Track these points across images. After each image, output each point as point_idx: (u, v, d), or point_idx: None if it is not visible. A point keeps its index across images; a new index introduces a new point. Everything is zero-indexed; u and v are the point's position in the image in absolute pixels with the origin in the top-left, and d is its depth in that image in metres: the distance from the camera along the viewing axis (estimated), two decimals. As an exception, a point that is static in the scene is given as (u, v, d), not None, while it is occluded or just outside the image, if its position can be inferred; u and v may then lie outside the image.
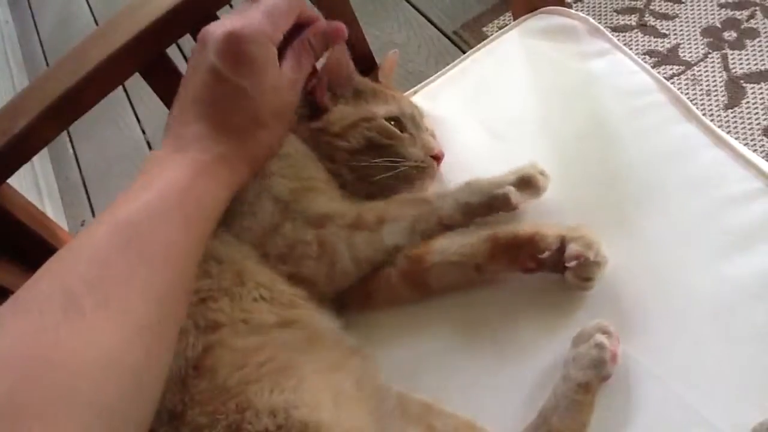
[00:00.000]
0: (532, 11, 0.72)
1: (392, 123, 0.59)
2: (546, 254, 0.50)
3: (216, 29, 0.51)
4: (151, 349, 0.40)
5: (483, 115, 0.66)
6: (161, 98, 0.62)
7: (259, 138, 0.52)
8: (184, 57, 1.47)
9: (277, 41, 0.52)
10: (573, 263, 0.49)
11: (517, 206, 0.54)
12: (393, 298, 0.55)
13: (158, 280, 0.42)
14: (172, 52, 0.60)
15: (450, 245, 0.53)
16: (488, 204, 0.54)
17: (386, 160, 0.57)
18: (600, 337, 0.47)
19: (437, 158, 0.61)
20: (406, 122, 0.60)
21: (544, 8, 0.71)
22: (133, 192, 0.46)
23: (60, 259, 0.41)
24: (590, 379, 0.46)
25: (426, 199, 0.55)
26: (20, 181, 1.44)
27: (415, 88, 0.74)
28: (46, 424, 0.33)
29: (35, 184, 1.65)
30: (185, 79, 0.53)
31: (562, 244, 0.50)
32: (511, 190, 0.53)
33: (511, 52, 0.70)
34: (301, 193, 0.54)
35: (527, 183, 0.54)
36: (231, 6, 0.62)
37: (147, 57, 0.58)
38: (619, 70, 0.64)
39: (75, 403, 0.35)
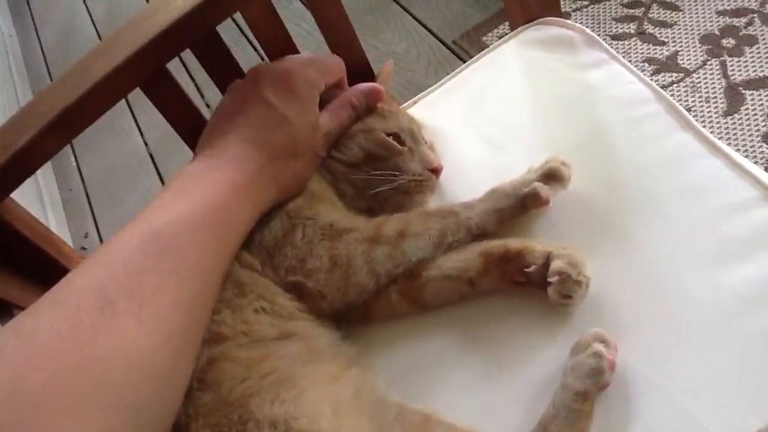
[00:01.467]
0: (529, 22, 0.72)
1: (390, 137, 0.59)
2: (532, 268, 0.51)
3: (270, 67, 0.58)
4: (178, 355, 0.42)
5: (481, 125, 0.67)
6: (161, 112, 0.62)
7: (293, 166, 0.55)
8: (187, 71, 1.49)
9: (320, 90, 0.57)
10: (555, 279, 0.49)
11: (549, 201, 0.54)
12: (392, 314, 0.56)
13: (188, 291, 0.44)
14: (172, 64, 0.61)
15: (445, 260, 0.54)
16: (519, 205, 0.55)
17: (384, 173, 0.58)
18: (598, 346, 0.47)
19: (436, 171, 0.61)
20: (405, 137, 0.61)
21: (541, 19, 0.72)
22: (169, 200, 0.48)
23: (95, 262, 0.43)
24: (588, 387, 0.46)
25: (452, 211, 0.55)
26: (23, 193, 1.44)
27: (415, 98, 0.74)
28: (76, 420, 0.34)
29: (38, 195, 1.66)
30: (225, 107, 0.56)
31: (548, 260, 0.50)
32: (540, 185, 0.54)
33: (508, 63, 0.71)
34: (312, 205, 0.55)
35: (552, 176, 0.55)
36: (232, 19, 0.62)
37: (148, 72, 0.58)
38: (615, 80, 0.64)
39: (105, 401, 0.36)
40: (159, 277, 0.42)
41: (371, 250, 0.52)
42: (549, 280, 0.50)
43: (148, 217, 0.46)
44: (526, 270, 0.51)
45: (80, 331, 0.37)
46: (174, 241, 0.44)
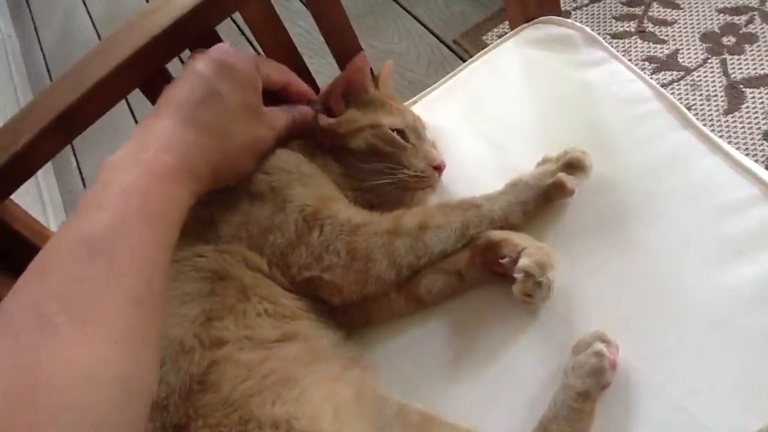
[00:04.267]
0: (529, 21, 0.72)
1: (395, 134, 0.60)
2: (506, 260, 0.51)
3: (215, 47, 0.55)
4: (133, 357, 0.39)
5: (481, 124, 0.67)
6: (162, 112, 0.62)
7: (225, 146, 0.52)
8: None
9: (258, 80, 0.55)
10: (519, 276, 0.50)
11: (574, 191, 0.54)
12: (392, 313, 0.56)
13: (128, 288, 0.41)
14: (172, 64, 0.60)
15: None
16: (543, 196, 0.55)
17: (387, 167, 0.58)
18: (599, 346, 0.47)
19: (439, 169, 0.61)
20: (409, 134, 0.62)
21: (540, 18, 0.72)
22: (93, 199, 0.45)
23: (28, 280, 0.41)
24: (589, 387, 0.46)
25: (474, 203, 0.55)
26: (24, 194, 1.45)
27: (415, 98, 0.74)
28: None
29: (39, 196, 1.66)
30: (166, 87, 0.54)
31: (519, 255, 0.50)
32: (564, 176, 0.54)
33: (508, 62, 0.71)
34: (327, 206, 0.54)
35: (575, 165, 0.55)
36: (231, 19, 0.62)
37: (147, 72, 0.58)
38: (615, 78, 0.64)
39: (65, 422, 0.34)
40: (95, 282, 0.40)
41: (391, 243, 0.52)
42: (514, 276, 0.50)
43: (76, 222, 0.43)
44: (500, 261, 0.51)
45: (24, 357, 0.35)
46: (104, 241, 0.42)
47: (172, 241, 0.46)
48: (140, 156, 0.48)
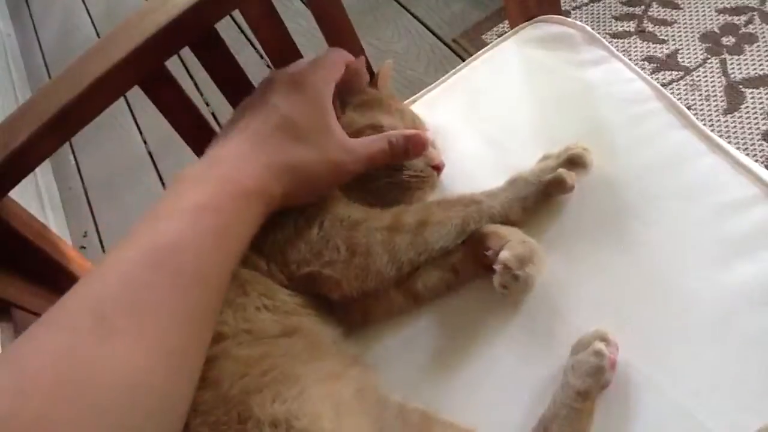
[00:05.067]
0: (528, 20, 0.72)
1: None
2: (490, 252, 0.52)
3: (278, 73, 0.56)
4: (179, 372, 0.40)
5: (481, 123, 0.67)
6: (161, 111, 0.62)
7: (297, 172, 0.51)
8: (187, 70, 1.49)
9: (332, 87, 0.56)
10: (497, 268, 0.50)
11: (574, 186, 0.55)
12: (390, 310, 0.56)
13: (188, 304, 0.42)
14: (172, 63, 0.60)
15: None
16: (543, 192, 0.55)
17: (386, 166, 0.58)
18: (599, 345, 0.47)
19: (438, 169, 0.61)
20: None
21: (540, 17, 0.72)
22: (164, 209, 0.46)
23: (91, 279, 0.41)
24: (589, 386, 0.46)
25: (474, 199, 0.55)
26: (22, 192, 1.44)
27: (414, 96, 0.74)
28: None
29: (37, 194, 1.66)
30: (233, 117, 0.55)
31: (502, 248, 0.51)
32: (564, 171, 0.54)
33: (508, 61, 0.71)
34: (326, 204, 0.54)
35: (576, 162, 0.55)
36: (232, 18, 0.62)
37: (146, 70, 0.58)
38: (615, 77, 0.64)
39: (102, 425, 0.35)
40: (157, 292, 0.40)
41: (391, 238, 0.52)
42: (494, 267, 0.50)
43: (146, 229, 0.44)
44: (485, 253, 0.52)
45: (75, 354, 0.36)
46: (172, 253, 0.42)
47: (236, 258, 0.47)
48: (216, 174, 0.48)
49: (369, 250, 0.52)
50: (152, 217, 0.45)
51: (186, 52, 0.60)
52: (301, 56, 0.66)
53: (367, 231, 0.52)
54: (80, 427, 0.34)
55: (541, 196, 0.55)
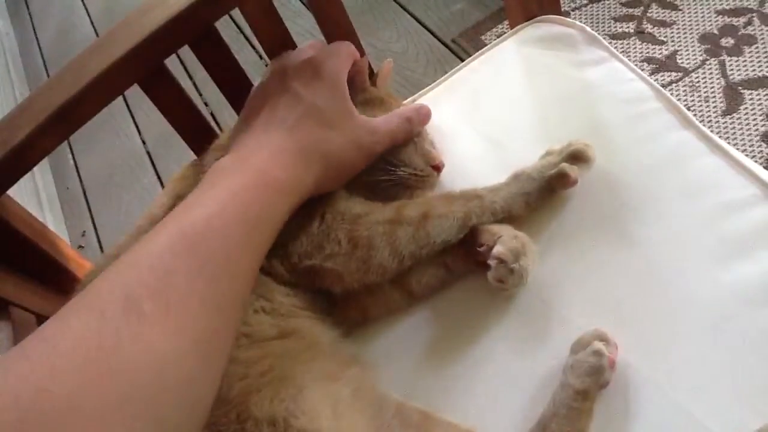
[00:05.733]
0: (528, 20, 0.72)
1: None
2: (483, 248, 0.52)
3: (292, 58, 0.57)
4: (206, 360, 0.40)
5: (481, 123, 0.67)
6: (160, 109, 0.62)
7: (327, 156, 0.52)
8: (186, 69, 1.49)
9: (346, 75, 0.57)
10: (492, 263, 0.50)
11: (577, 181, 0.55)
12: (387, 307, 0.56)
13: (217, 291, 0.42)
14: (171, 63, 0.60)
15: None
16: (546, 187, 0.55)
17: (386, 164, 0.58)
18: (598, 345, 0.47)
19: (438, 168, 0.61)
20: None
21: (540, 17, 0.72)
22: (197, 198, 0.46)
23: (122, 264, 0.41)
24: (588, 386, 0.46)
25: (477, 194, 0.55)
26: (21, 191, 1.45)
27: (413, 97, 0.74)
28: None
29: (36, 194, 1.65)
30: (251, 104, 0.56)
31: (495, 243, 0.51)
32: (567, 166, 0.54)
33: (508, 61, 0.71)
34: (327, 197, 0.54)
35: (578, 157, 0.55)
36: (231, 17, 0.62)
37: (145, 68, 0.58)
38: (615, 78, 0.64)
39: (130, 412, 0.34)
40: (187, 278, 0.40)
41: (393, 231, 0.52)
42: (488, 262, 0.51)
43: (177, 217, 0.44)
44: (478, 249, 0.52)
45: (105, 337, 0.36)
46: (202, 240, 0.43)
47: (266, 247, 0.48)
48: (249, 165, 0.49)
49: (371, 243, 0.52)
50: (185, 205, 0.46)
51: (185, 52, 0.60)
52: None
53: (369, 224, 0.52)
54: (107, 412, 0.34)
55: (545, 192, 0.55)
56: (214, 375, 0.41)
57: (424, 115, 0.61)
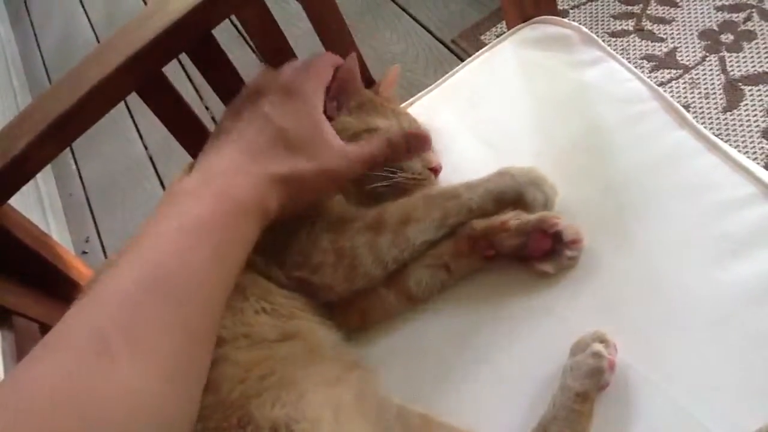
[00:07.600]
0: (526, 21, 0.72)
1: None
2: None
3: (266, 80, 0.56)
4: (178, 394, 0.40)
5: (479, 124, 0.67)
6: (158, 116, 0.62)
7: (293, 181, 0.51)
8: (186, 74, 1.49)
9: (322, 94, 0.56)
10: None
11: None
12: (386, 311, 0.56)
13: (187, 323, 0.42)
14: (172, 67, 0.61)
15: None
16: (520, 200, 0.55)
17: (383, 169, 0.58)
18: (597, 346, 0.47)
19: (435, 171, 0.61)
20: None
21: (537, 18, 0.72)
22: (160, 226, 0.45)
23: (90, 301, 0.41)
24: (588, 388, 0.46)
25: (454, 193, 0.56)
26: (24, 198, 1.45)
27: (413, 98, 0.74)
28: None
29: (39, 200, 1.66)
30: (222, 124, 0.54)
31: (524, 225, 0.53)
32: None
33: (505, 62, 0.71)
34: (316, 205, 0.55)
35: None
36: (231, 22, 0.62)
37: (144, 76, 0.58)
38: (612, 78, 0.64)
39: None
40: (155, 310, 0.40)
41: (374, 240, 0.53)
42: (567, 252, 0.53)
43: (140, 247, 0.44)
44: (508, 224, 0.53)
45: (77, 380, 0.36)
46: (168, 268, 0.42)
47: (237, 270, 0.47)
48: (212, 190, 0.48)
49: (354, 253, 0.53)
50: (148, 235, 0.45)
51: (185, 57, 0.61)
52: (297, 59, 0.66)
53: (351, 234, 0.53)
54: None
55: (518, 202, 0.55)
56: (188, 406, 0.41)
57: (416, 142, 0.57)
